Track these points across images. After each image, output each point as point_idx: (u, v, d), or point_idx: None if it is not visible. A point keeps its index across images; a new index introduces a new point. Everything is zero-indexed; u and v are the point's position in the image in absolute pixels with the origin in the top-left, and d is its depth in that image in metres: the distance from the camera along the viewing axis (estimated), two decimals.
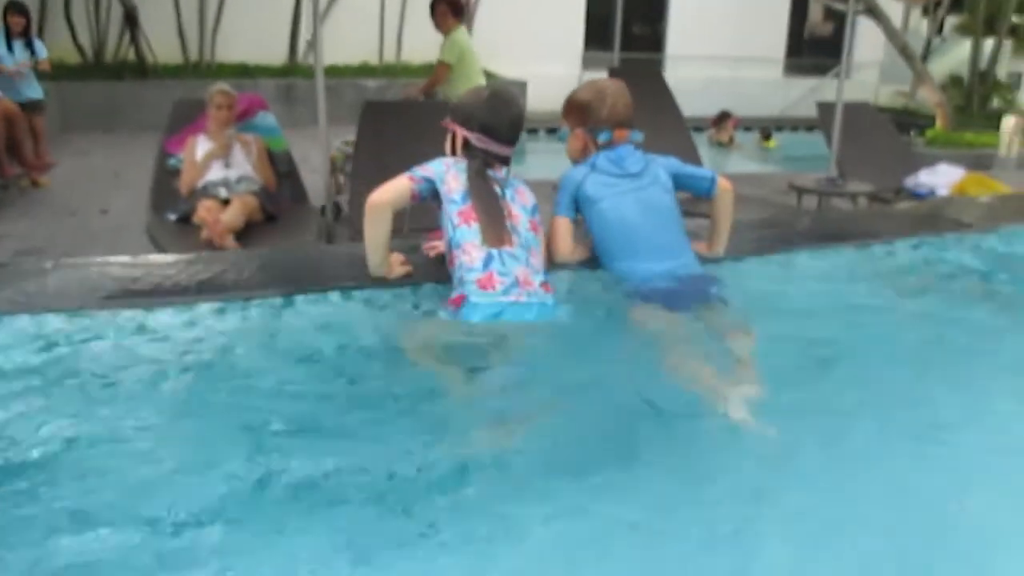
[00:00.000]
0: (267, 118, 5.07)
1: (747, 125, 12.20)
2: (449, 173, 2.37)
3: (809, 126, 13.91)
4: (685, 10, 15.33)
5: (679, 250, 2.56)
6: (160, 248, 3.90)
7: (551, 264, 2.53)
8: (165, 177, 4.65)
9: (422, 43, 12.68)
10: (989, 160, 9.69)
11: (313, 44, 4.53)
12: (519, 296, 2.23)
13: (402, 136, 4.57)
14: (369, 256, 2.40)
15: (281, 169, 4.85)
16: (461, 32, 5.84)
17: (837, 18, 16.24)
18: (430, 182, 2.36)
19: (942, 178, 5.73)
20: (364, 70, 12.05)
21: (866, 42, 16.51)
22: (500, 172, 2.42)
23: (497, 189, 2.36)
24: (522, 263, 2.28)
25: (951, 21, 15.98)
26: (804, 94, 15.50)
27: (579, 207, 2.59)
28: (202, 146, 4.58)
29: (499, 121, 2.41)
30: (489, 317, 2.19)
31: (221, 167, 4.53)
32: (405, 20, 12.47)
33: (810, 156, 11.90)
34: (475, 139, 2.39)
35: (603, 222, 2.54)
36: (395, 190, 2.34)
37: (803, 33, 17.05)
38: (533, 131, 10.47)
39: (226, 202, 4.30)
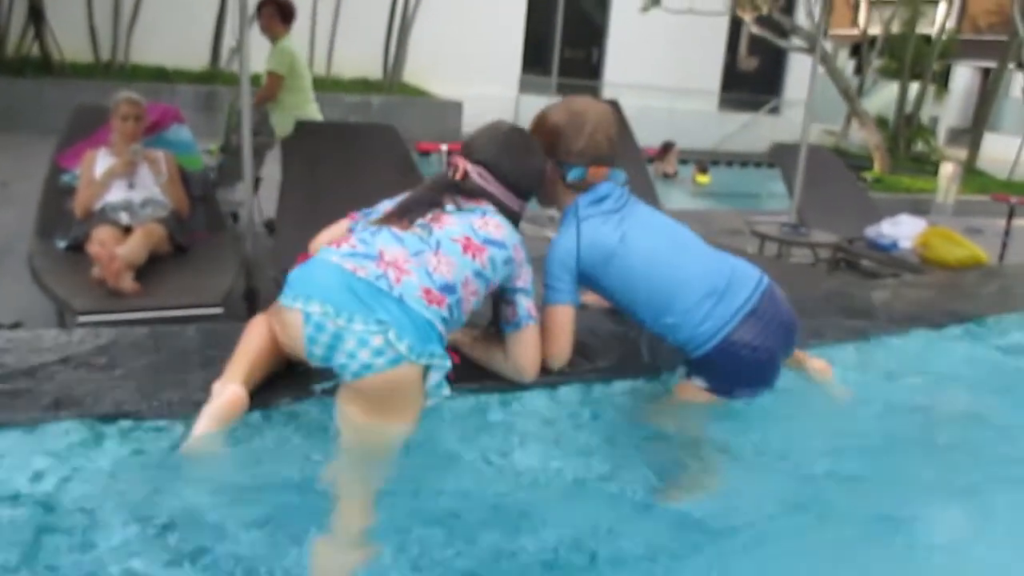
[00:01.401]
0: (181, 131, 4.47)
1: (684, 158, 12.03)
2: (387, 202, 1.98)
3: (743, 161, 13.89)
4: (623, 38, 15.20)
5: (732, 269, 2.08)
6: (41, 283, 3.27)
7: (529, 373, 2.00)
8: (56, 196, 3.99)
9: (355, 55, 12.16)
10: (926, 206, 9.69)
11: (238, 51, 3.97)
12: (360, 268, 1.70)
13: (335, 161, 4.05)
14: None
15: (195, 192, 4.24)
16: (291, 40, 5.27)
17: (765, 54, 16.34)
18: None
19: (905, 229, 5.48)
20: None
21: (796, 80, 16.70)
22: (481, 203, 1.93)
23: (449, 206, 1.88)
24: (406, 249, 1.76)
25: (874, 64, 16.28)
26: (738, 129, 15.53)
27: (588, 279, 2.05)
28: (102, 162, 3.96)
29: (510, 162, 1.99)
30: (299, 284, 1.71)
31: (124, 187, 3.91)
32: (337, 30, 11.90)
33: (744, 193, 11.79)
34: (475, 172, 1.96)
35: (633, 272, 2.01)
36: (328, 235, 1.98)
37: (736, 67, 17.14)
38: None
39: (127, 230, 3.68)
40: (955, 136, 20.68)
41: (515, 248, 1.92)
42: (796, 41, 11.69)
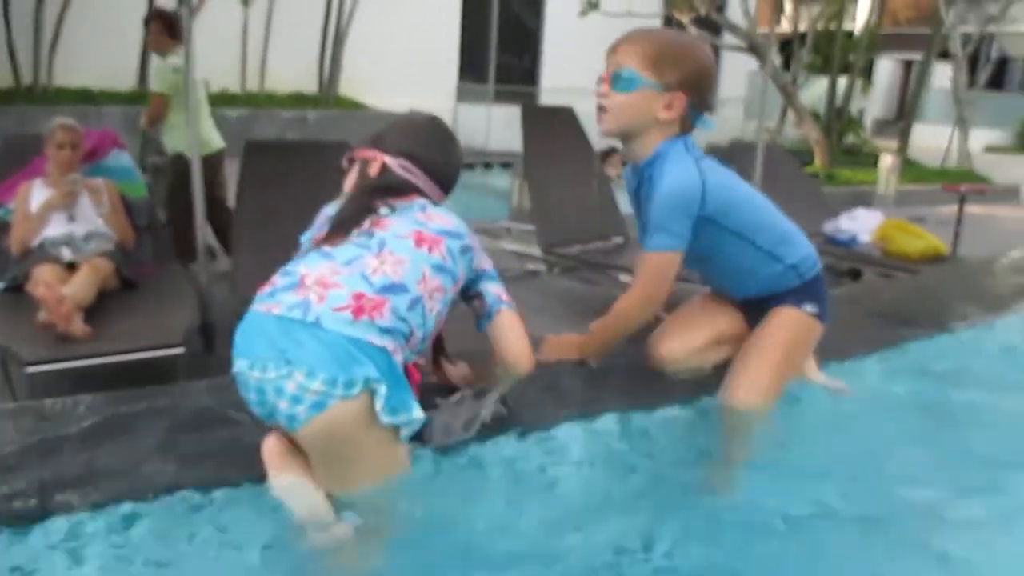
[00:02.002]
0: (121, 158, 4.24)
1: (627, 159, 12.05)
2: (317, 219, 1.76)
3: None
4: (558, 43, 15.19)
5: None
6: None
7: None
8: None
9: (288, 69, 11.86)
10: (868, 197, 9.85)
11: (185, 69, 3.76)
12: (276, 305, 1.51)
13: (293, 182, 3.85)
14: None
15: (140, 222, 4.00)
16: (181, 58, 4.85)
17: None
18: None
19: (862, 223, 5.51)
20: (224, 99, 11.03)
21: (729, 79, 16.92)
22: (413, 199, 1.74)
23: (384, 209, 1.67)
24: (334, 262, 1.57)
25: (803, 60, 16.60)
26: None
27: (704, 223, 1.96)
28: (38, 194, 3.70)
29: (435, 153, 1.81)
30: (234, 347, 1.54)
31: (64, 221, 3.65)
32: (270, 44, 11.58)
33: None
34: (398, 165, 1.74)
35: (755, 203, 2.09)
36: None
37: None
38: None
39: (71, 267, 3.43)
40: (881, 127, 21.27)
41: (469, 235, 1.75)
42: (733, 40, 11.79)
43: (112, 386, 2.69)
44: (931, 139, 15.74)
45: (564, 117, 5.34)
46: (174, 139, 4.90)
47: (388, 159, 1.75)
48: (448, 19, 13.94)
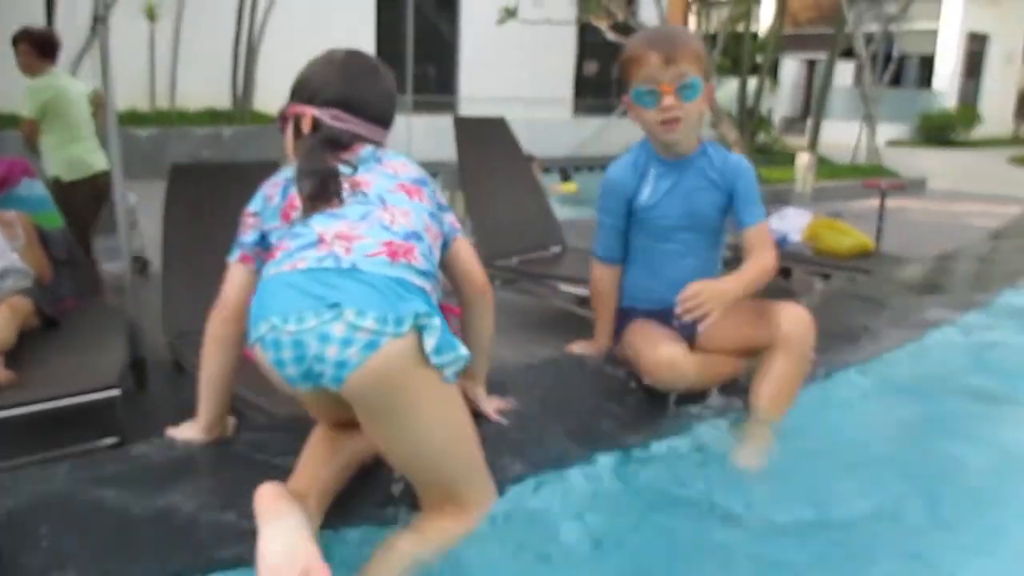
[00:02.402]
0: (34, 187, 4.01)
1: (545, 166, 12.07)
2: (269, 189, 1.64)
3: (603, 165, 14.08)
4: (475, 52, 15.18)
5: None
6: None
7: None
8: None
9: (199, 85, 11.49)
10: (786, 195, 10.10)
11: (104, 86, 3.55)
12: (300, 261, 1.44)
13: (223, 206, 3.67)
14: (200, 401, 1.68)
15: (58, 255, 3.75)
16: (52, 78, 4.67)
17: (613, 58, 16.75)
18: (260, 236, 1.62)
19: (792, 223, 5.62)
20: (134, 117, 10.61)
21: None
22: (358, 150, 1.65)
23: (344, 168, 1.58)
24: (348, 219, 1.50)
25: (715, 62, 17.01)
26: (595, 132, 15.81)
27: None
28: None
29: (362, 92, 1.69)
30: (250, 320, 1.44)
31: None
32: (179, 59, 11.20)
33: None
34: (328, 117, 1.64)
35: None
36: (233, 288, 1.62)
37: (586, 73, 17.49)
38: None
39: None
40: (789, 125, 21.98)
41: (428, 175, 1.72)
42: None
43: (45, 436, 2.51)
44: (836, 135, 16.32)
45: (497, 127, 5.27)
46: (50, 163, 4.69)
47: (317, 113, 1.65)
48: (363, 29, 13.77)
